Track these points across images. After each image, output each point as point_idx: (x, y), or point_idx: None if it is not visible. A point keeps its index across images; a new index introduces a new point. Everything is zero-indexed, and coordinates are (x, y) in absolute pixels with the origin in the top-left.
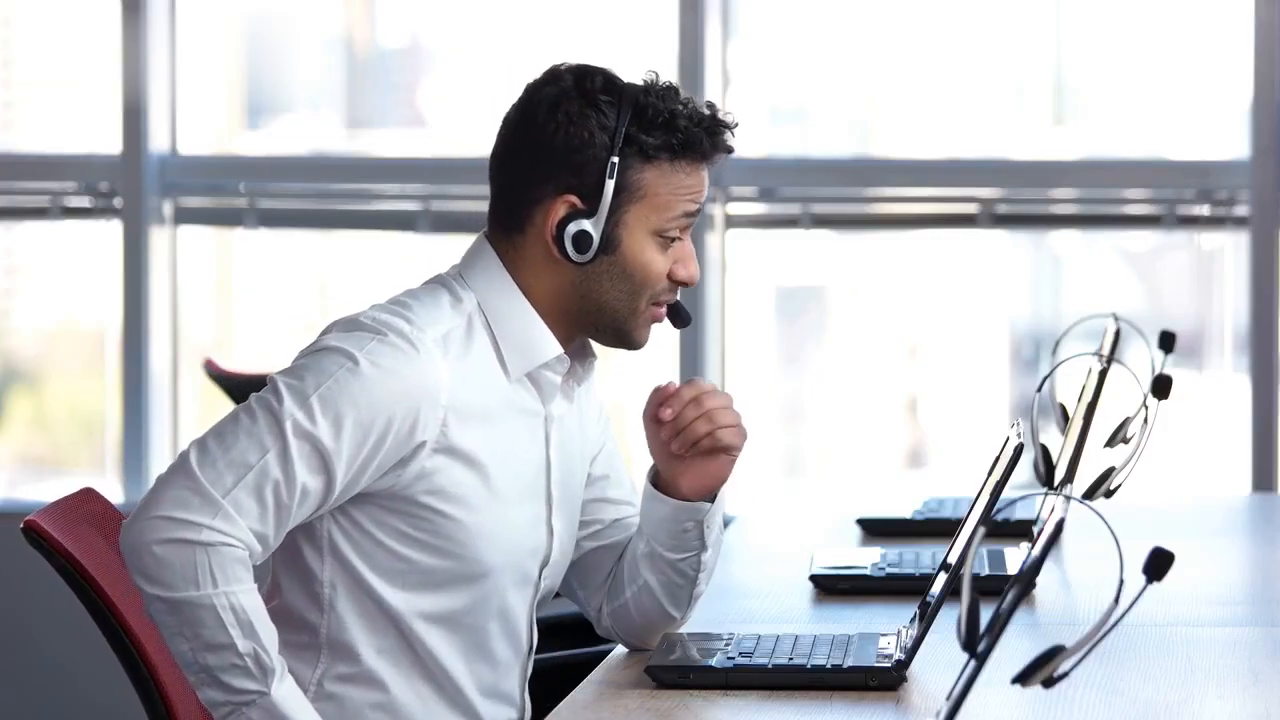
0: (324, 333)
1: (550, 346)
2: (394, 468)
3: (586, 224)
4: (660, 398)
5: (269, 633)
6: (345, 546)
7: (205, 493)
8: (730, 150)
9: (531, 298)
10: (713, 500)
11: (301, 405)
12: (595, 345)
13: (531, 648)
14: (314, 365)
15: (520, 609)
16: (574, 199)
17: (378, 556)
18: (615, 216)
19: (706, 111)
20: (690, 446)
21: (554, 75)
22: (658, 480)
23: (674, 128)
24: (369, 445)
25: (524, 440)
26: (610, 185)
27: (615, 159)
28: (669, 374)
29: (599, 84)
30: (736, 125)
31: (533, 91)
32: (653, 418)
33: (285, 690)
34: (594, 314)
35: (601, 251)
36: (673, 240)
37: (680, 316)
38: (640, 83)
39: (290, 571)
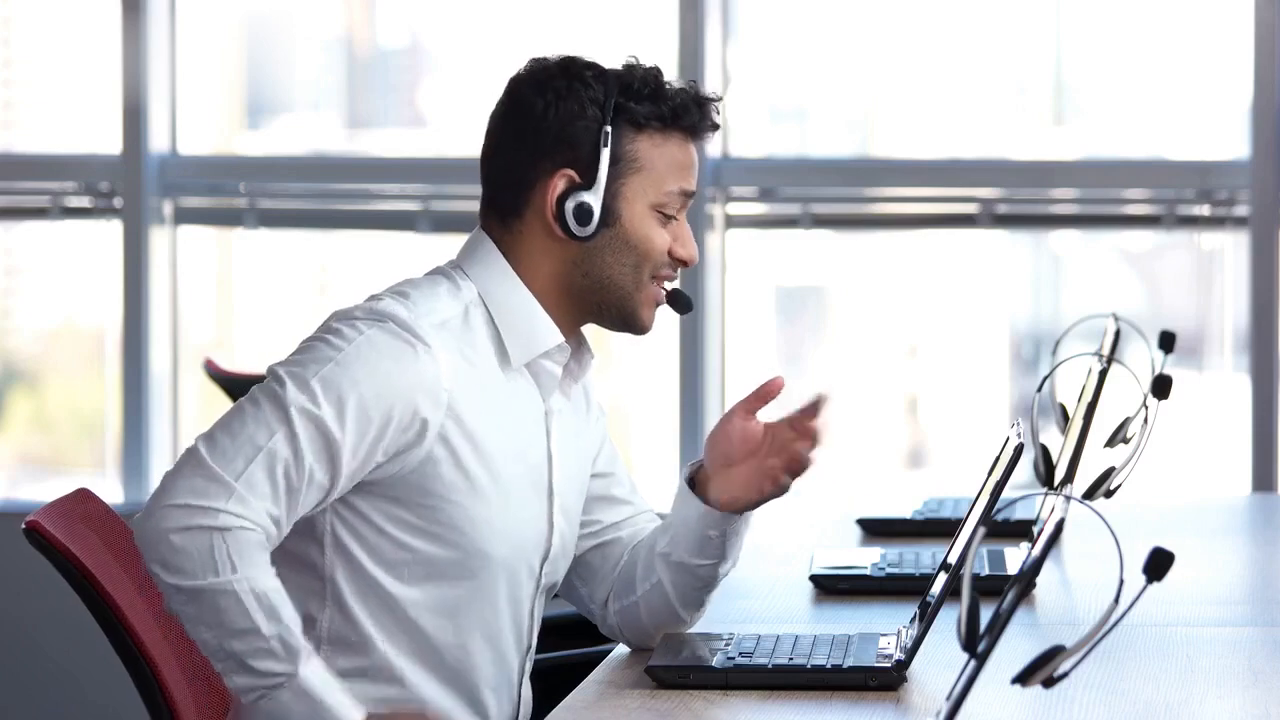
0: (324, 322)
1: (551, 335)
2: (398, 454)
3: (586, 196)
4: (768, 391)
5: (292, 613)
6: (348, 538)
7: (217, 476)
8: (716, 127)
9: (532, 285)
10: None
11: (304, 389)
12: (592, 345)
13: (531, 643)
14: (314, 351)
15: (523, 601)
16: (571, 173)
17: (381, 547)
18: (613, 188)
19: (691, 89)
20: (749, 455)
21: (536, 62)
22: (694, 478)
23: (662, 97)
24: (373, 430)
25: (527, 432)
26: (606, 154)
27: (609, 128)
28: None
29: (582, 63)
30: (720, 99)
31: (518, 81)
32: (747, 411)
33: (313, 669)
34: (598, 292)
35: (603, 225)
36: (670, 218)
37: (681, 302)
38: (623, 65)
39: (291, 568)
